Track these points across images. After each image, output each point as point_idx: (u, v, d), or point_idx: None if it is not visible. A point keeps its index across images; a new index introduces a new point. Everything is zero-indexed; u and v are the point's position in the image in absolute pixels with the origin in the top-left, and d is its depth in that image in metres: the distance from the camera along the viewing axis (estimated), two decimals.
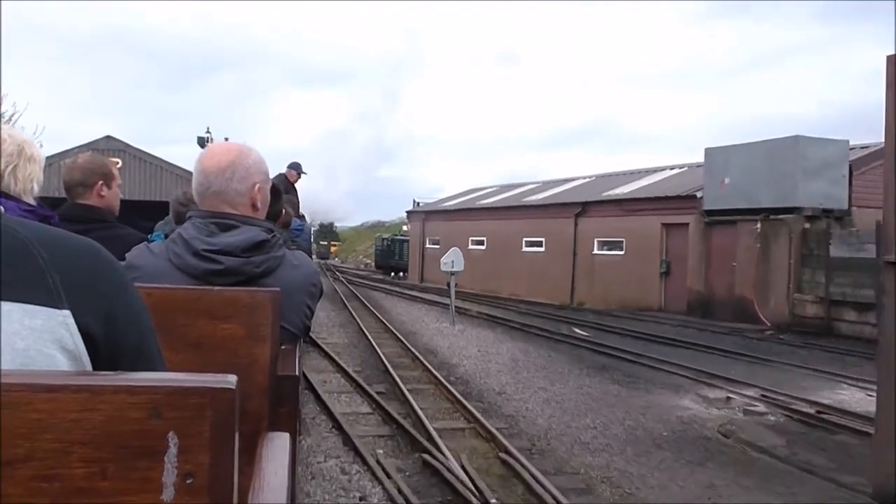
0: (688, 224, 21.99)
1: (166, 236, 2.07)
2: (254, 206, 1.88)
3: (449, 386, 9.88)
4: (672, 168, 27.80)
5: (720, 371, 12.18)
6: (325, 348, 12.92)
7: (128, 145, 27.98)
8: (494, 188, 38.95)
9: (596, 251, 25.88)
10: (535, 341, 15.68)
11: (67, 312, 0.75)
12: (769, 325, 18.76)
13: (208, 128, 24.34)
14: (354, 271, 51.10)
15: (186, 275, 1.75)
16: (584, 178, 32.47)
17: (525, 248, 29.82)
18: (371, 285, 33.89)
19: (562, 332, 17.20)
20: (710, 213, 21.19)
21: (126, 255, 1.82)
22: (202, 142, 24.16)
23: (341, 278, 38.72)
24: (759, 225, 19.47)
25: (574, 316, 21.72)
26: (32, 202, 2.21)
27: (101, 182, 2.86)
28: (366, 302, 23.84)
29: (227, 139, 25.21)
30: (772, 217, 19.26)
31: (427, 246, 38.09)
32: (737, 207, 20.14)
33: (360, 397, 9.38)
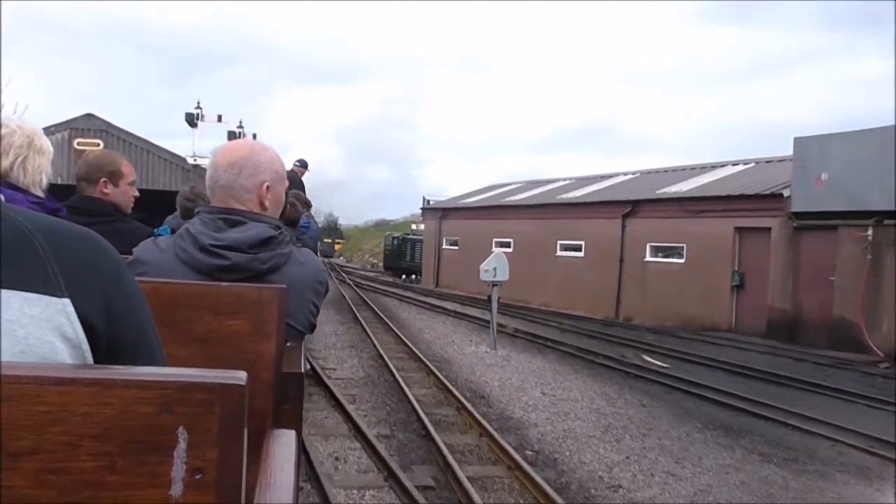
0: (769, 229, 18.29)
1: (173, 231, 2.30)
2: (261, 204, 1.85)
3: (532, 473, 6.20)
4: (735, 164, 24.07)
5: (890, 435, 8.51)
6: (334, 389, 9.26)
7: (110, 124, 24.25)
8: (520, 184, 35.22)
9: (648, 258, 22.17)
10: (607, 377, 11.99)
11: (67, 301, 0.74)
12: (882, 355, 15.07)
13: (199, 102, 20.76)
14: (361, 272, 47.44)
15: (193, 270, 1.74)
16: (629, 174, 28.75)
17: (560, 253, 26.13)
18: (381, 290, 30.23)
19: (632, 363, 13.53)
20: (800, 215, 17.50)
21: (133, 249, 1.81)
22: (191, 119, 20.61)
23: (348, 280, 35.05)
24: (869, 231, 15.76)
25: (630, 336, 18.01)
26: (41, 194, 2.18)
27: (104, 179, 2.84)
28: (379, 311, 20.18)
29: (220, 117, 21.55)
30: (886, 222, 15.55)
31: (444, 247, 34.39)
32: (838, 210, 16.43)
33: (397, 499, 5.70)
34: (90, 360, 0.77)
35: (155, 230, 3.10)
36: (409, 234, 45.47)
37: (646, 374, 12.29)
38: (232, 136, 20.79)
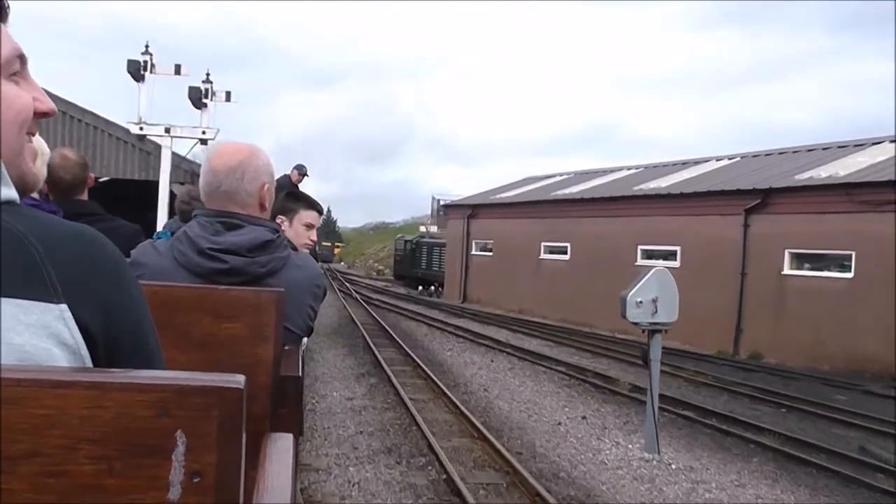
0: None
1: (173, 234, 2.11)
2: (262, 207, 1.83)
3: None
4: (878, 141, 17.58)
5: None
6: None
7: (46, 92, 17.41)
8: (569, 174, 28.73)
9: (788, 270, 15.73)
10: None
11: (64, 307, 0.73)
12: None
13: (147, 45, 14.31)
14: (367, 281, 40.81)
15: (191, 273, 1.71)
16: (723, 158, 22.24)
17: (641, 261, 19.64)
18: (399, 308, 23.66)
19: None
20: None
21: (131, 251, 1.80)
22: (136, 69, 14.17)
23: (354, 294, 28.52)
24: None
25: (797, 392, 11.59)
26: (36, 196, 2.20)
27: (91, 175, 2.86)
28: (408, 349, 13.69)
29: (178, 67, 15.23)
30: None
31: (473, 253, 27.88)
32: None
33: None
34: (89, 365, 0.75)
35: (154, 234, 3.01)
36: (424, 237, 38.86)
37: None
38: (195, 92, 14.45)
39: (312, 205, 2.76)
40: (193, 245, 1.72)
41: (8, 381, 0.58)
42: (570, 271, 22.11)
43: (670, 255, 18.74)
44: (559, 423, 8.70)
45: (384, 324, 18.09)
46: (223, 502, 0.60)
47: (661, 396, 10.67)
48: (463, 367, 12.69)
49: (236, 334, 1.42)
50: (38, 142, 2.11)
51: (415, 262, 35.49)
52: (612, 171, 26.39)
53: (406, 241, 38.24)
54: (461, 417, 8.54)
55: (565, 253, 22.64)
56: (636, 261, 19.73)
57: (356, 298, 26.49)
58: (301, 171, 8.40)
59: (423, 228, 55.48)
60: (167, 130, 14.58)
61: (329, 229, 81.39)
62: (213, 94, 14.77)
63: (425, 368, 11.63)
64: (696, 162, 22.82)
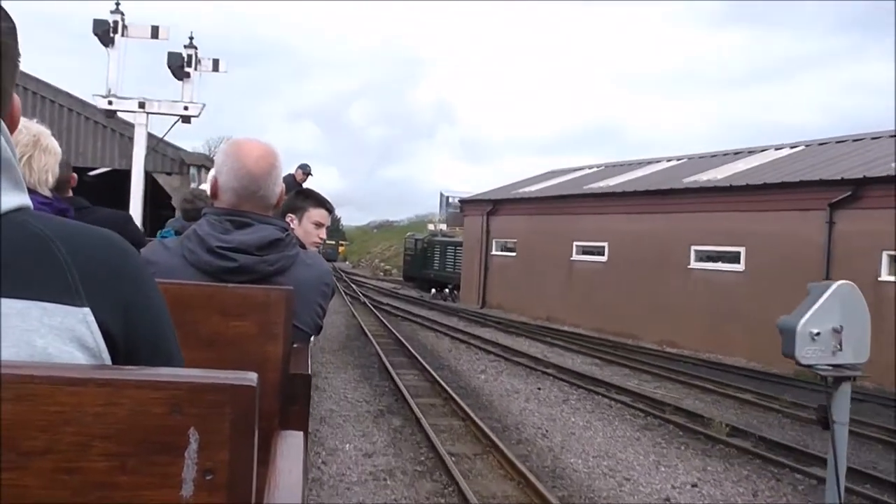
0: None
1: (177, 233, 2.17)
2: (277, 205, 1.85)
3: None
4: None
5: None
6: None
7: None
8: (600, 167, 26.15)
9: (887, 276, 13.19)
10: None
11: (87, 310, 0.73)
12: None
13: (118, 3, 11.81)
14: (374, 283, 38.24)
15: (200, 271, 1.69)
16: (784, 146, 19.64)
17: (695, 264, 17.12)
18: (413, 315, 21.12)
19: None
20: None
21: (140, 249, 1.73)
22: (104, 30, 11.71)
23: (362, 297, 26.00)
24: None
25: None
26: (48, 194, 2.17)
27: (74, 176, 2.76)
28: (430, 368, 11.22)
29: (155, 29, 13.01)
30: None
31: (493, 253, 25.32)
32: None
33: None
34: None
35: (159, 232, 3.11)
36: (436, 236, 36.25)
37: None
38: (176, 58, 12.00)
39: (322, 203, 2.75)
40: (203, 243, 1.69)
41: (21, 378, 0.58)
42: (608, 274, 19.58)
43: (732, 258, 16.19)
44: (667, 499, 6.17)
45: (399, 335, 15.59)
46: (235, 500, 0.59)
47: (767, 441, 8.21)
48: (506, 398, 10.18)
49: (245, 332, 1.40)
50: (51, 142, 2.16)
51: (427, 262, 32.93)
52: (648, 162, 23.82)
53: (417, 240, 35.63)
54: (529, 490, 6.04)
55: (602, 254, 20.09)
56: (689, 263, 17.20)
57: (364, 303, 23.99)
58: (305, 170, 8.32)
59: (431, 226, 52.99)
60: (141, 105, 12.09)
61: (333, 227, 78.98)
62: (198, 61, 12.28)
63: (460, 403, 9.14)
64: (751, 151, 20.24)
